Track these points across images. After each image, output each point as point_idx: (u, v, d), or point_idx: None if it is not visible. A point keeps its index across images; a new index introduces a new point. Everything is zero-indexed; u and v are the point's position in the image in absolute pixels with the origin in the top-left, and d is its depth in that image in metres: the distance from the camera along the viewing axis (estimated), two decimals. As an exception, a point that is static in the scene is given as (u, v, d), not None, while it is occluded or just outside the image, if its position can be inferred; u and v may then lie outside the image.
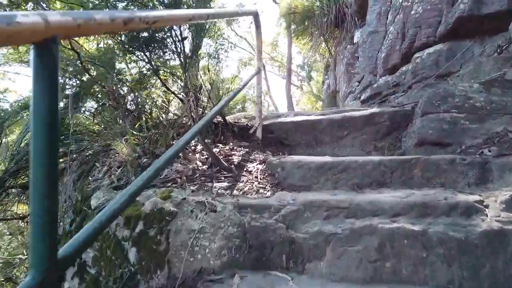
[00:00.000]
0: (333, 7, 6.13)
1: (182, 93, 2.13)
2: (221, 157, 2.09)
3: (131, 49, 2.19)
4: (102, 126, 2.24)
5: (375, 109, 2.55)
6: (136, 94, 1.98)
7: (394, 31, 3.56)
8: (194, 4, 2.70)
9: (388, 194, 1.43)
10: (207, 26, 2.15)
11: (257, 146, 2.48)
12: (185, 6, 2.67)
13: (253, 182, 1.81)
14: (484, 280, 1.12)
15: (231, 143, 2.42)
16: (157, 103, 2.15)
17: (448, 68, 2.82)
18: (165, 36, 2.22)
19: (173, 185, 1.79)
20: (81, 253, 0.75)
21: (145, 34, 2.17)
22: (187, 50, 2.00)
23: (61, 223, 2.25)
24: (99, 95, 2.41)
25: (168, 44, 1.89)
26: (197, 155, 2.11)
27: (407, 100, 3.11)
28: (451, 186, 1.48)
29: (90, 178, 2.46)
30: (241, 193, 1.69)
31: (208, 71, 2.32)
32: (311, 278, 1.25)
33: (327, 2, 6.33)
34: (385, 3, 4.00)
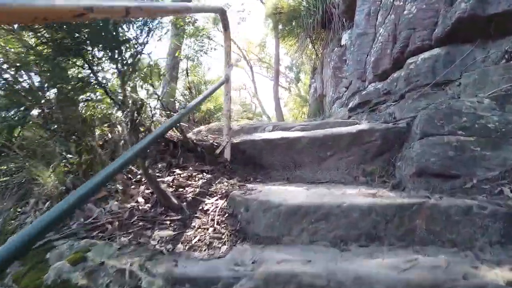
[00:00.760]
0: (319, 7, 5.79)
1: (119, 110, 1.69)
2: (172, 190, 1.65)
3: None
4: (24, 150, 1.79)
5: (363, 125, 2.16)
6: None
7: (384, 33, 3.19)
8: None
9: (382, 260, 1.03)
10: (154, 24, 1.71)
11: (224, 170, 2.06)
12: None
13: (207, 229, 1.39)
14: None
15: (191, 167, 1.99)
16: (88, 121, 1.70)
17: (446, 76, 2.45)
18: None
19: (100, 234, 1.35)
20: None
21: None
22: (127, 55, 1.56)
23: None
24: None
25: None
26: (142, 188, 1.67)
27: (400, 112, 2.74)
28: (467, 246, 1.08)
29: (20, 210, 2.02)
30: (187, 247, 1.26)
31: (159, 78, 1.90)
32: None
33: (313, 2, 5.98)
34: (375, 2, 3.63)
